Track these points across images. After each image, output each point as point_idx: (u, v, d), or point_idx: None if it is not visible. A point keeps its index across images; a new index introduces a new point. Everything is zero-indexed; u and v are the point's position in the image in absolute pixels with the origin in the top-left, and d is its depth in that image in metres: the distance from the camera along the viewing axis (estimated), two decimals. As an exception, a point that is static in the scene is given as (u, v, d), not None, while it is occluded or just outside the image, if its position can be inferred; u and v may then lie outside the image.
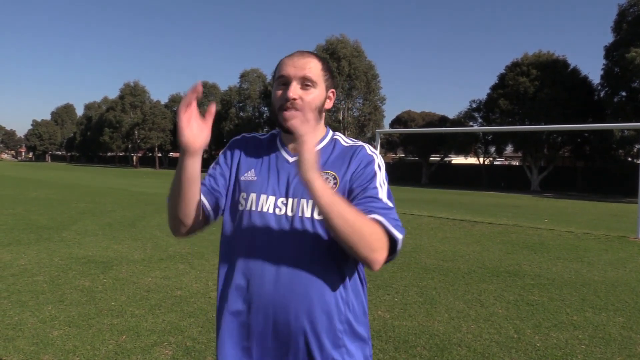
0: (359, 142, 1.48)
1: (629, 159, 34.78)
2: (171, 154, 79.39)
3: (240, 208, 1.42)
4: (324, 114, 1.48)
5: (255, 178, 1.43)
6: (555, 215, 16.30)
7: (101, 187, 22.38)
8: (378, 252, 1.24)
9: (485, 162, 46.28)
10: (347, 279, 1.39)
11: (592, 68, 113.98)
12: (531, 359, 3.71)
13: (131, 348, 3.68)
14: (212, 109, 1.26)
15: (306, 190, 1.27)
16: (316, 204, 1.18)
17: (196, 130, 1.25)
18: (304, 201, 1.36)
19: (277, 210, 1.37)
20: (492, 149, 45.12)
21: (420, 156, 49.26)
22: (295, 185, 1.38)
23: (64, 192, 18.66)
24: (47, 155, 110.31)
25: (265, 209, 1.38)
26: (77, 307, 4.60)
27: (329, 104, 1.47)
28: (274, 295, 1.33)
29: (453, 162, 53.61)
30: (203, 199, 1.41)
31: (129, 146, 74.37)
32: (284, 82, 1.39)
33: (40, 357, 3.47)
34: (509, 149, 45.33)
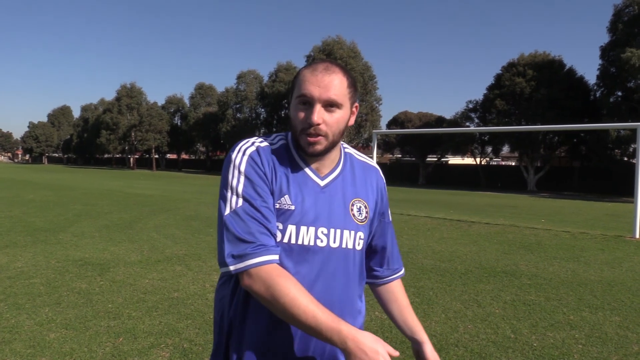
0: (370, 162, 1.49)
1: (625, 159, 34.89)
2: (168, 156, 79.31)
3: (280, 239, 1.28)
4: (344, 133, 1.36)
5: (293, 207, 1.28)
6: (551, 215, 16.34)
7: (98, 189, 22.33)
8: None
9: (482, 163, 46.37)
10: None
11: (588, 68, 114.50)
12: (528, 358, 3.71)
13: (128, 350, 3.67)
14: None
15: (349, 222, 1.34)
16: None
17: None
18: (346, 232, 1.33)
19: (318, 242, 1.29)
20: (489, 150, 45.22)
21: (417, 157, 49.32)
22: (337, 216, 1.32)
23: (60, 194, 18.61)
24: (43, 157, 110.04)
25: (307, 242, 1.28)
26: (74, 310, 4.58)
27: (352, 120, 1.36)
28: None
29: (450, 162, 53.70)
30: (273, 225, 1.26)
31: (126, 148, 74.26)
32: (306, 102, 1.26)
33: (36, 360, 3.46)
34: (505, 149, 45.44)
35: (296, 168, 1.33)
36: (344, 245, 1.32)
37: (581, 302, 5.31)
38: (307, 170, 1.33)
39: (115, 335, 3.98)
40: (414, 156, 49.99)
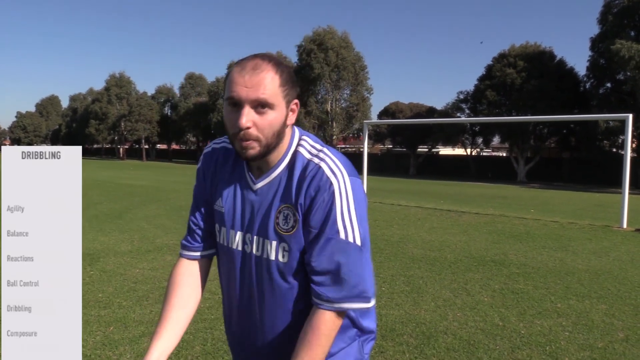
0: (322, 163, 1.21)
1: (614, 150, 35.18)
2: (158, 146, 78.85)
3: (217, 239, 1.38)
4: (284, 131, 1.23)
5: (224, 209, 1.32)
6: (540, 205, 16.47)
7: (87, 179, 22.18)
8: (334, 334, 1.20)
9: (473, 153, 46.57)
10: None
11: (578, 60, 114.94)
12: (516, 345, 3.77)
13: (119, 339, 3.68)
14: None
15: (271, 231, 1.23)
16: None
17: None
18: (267, 242, 1.24)
19: (246, 248, 1.29)
20: (479, 140, 45.39)
21: (408, 147, 49.40)
22: (260, 224, 1.26)
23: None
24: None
25: (234, 246, 1.30)
26: (64, 299, 4.57)
27: (292, 118, 1.24)
28: (249, 333, 1.34)
29: (440, 153, 53.87)
30: (203, 223, 1.39)
31: (115, 138, 73.67)
32: (235, 103, 1.16)
33: (27, 349, 3.46)
34: (495, 140, 45.60)
35: (237, 170, 1.32)
36: (265, 256, 1.25)
37: (568, 291, 5.38)
38: (245, 172, 1.30)
39: (105, 324, 3.98)
40: (405, 147, 50.06)
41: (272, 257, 1.23)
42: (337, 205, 1.17)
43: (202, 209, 1.38)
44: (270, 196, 1.25)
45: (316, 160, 1.22)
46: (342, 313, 1.20)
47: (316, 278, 1.18)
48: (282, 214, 1.22)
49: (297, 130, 1.31)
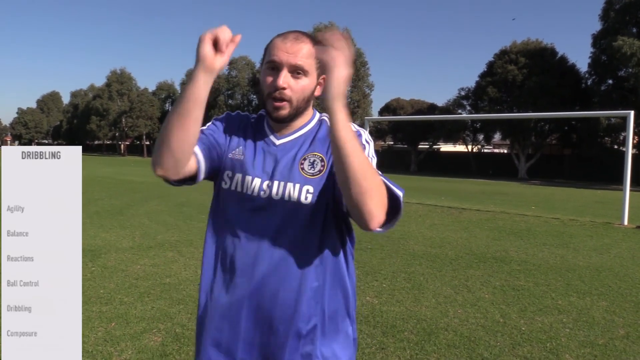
0: None
1: (615, 147, 35.18)
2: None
3: (224, 186, 1.39)
4: (312, 101, 1.41)
5: (242, 157, 1.38)
6: (542, 202, 16.46)
7: (88, 176, 22.19)
8: (381, 207, 1.17)
9: (474, 150, 46.55)
10: (331, 262, 1.37)
11: (580, 56, 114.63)
12: (516, 342, 3.77)
13: (120, 335, 3.68)
14: (238, 38, 1.21)
15: (295, 175, 1.30)
16: (334, 137, 1.13)
17: (217, 50, 1.19)
18: (290, 185, 1.32)
19: (262, 193, 1.34)
20: (480, 137, 45.43)
21: (409, 144, 49.40)
22: (282, 169, 1.34)
23: (50, 181, 18.47)
24: (33, 144, 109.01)
25: (249, 192, 1.35)
26: (65, 295, 4.58)
27: (319, 91, 1.37)
28: (259, 279, 1.32)
29: (441, 149, 53.84)
30: (197, 148, 1.33)
31: (117, 134, 73.77)
32: (274, 67, 1.31)
33: (28, 345, 3.46)
34: (497, 136, 45.60)
35: (260, 131, 1.43)
36: (287, 198, 1.32)
37: (569, 288, 5.38)
38: (269, 133, 1.42)
39: (107, 320, 3.99)
40: (406, 143, 50.06)
41: (295, 199, 1.32)
42: (366, 149, 1.32)
43: (210, 141, 1.38)
44: (294, 150, 1.37)
45: None
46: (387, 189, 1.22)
47: None
48: (308, 160, 1.35)
49: (317, 111, 1.47)
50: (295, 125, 1.40)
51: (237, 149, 1.40)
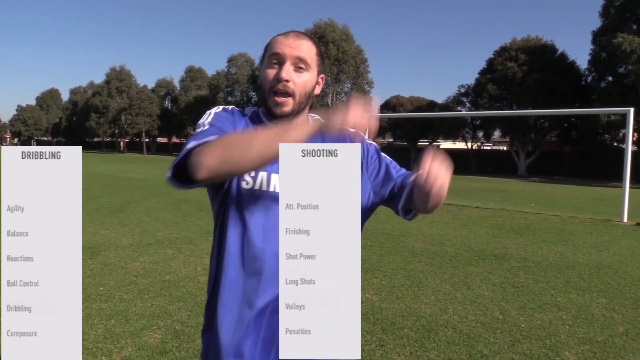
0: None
1: (615, 144, 35.15)
2: (158, 139, 78.80)
3: (245, 186, 1.30)
4: (312, 98, 1.40)
5: None
6: (541, 199, 16.48)
7: (88, 173, 22.18)
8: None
9: (473, 147, 46.52)
10: None
11: (580, 53, 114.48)
12: (516, 339, 3.78)
13: (120, 332, 3.69)
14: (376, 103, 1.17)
15: None
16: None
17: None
18: None
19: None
20: (480, 134, 45.35)
21: (409, 141, 49.38)
22: None
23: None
24: (32, 141, 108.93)
25: (271, 189, 1.29)
26: (65, 293, 4.58)
27: (317, 90, 1.40)
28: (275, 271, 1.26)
29: (441, 147, 53.77)
30: None
31: (116, 131, 73.70)
32: (277, 60, 1.31)
33: (28, 342, 3.47)
34: (496, 134, 45.58)
35: (263, 125, 1.38)
36: None
37: (569, 285, 5.39)
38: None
39: (107, 317, 4.00)
40: (406, 140, 50.04)
41: None
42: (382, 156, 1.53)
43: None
44: None
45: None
46: None
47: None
48: None
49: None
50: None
51: None
